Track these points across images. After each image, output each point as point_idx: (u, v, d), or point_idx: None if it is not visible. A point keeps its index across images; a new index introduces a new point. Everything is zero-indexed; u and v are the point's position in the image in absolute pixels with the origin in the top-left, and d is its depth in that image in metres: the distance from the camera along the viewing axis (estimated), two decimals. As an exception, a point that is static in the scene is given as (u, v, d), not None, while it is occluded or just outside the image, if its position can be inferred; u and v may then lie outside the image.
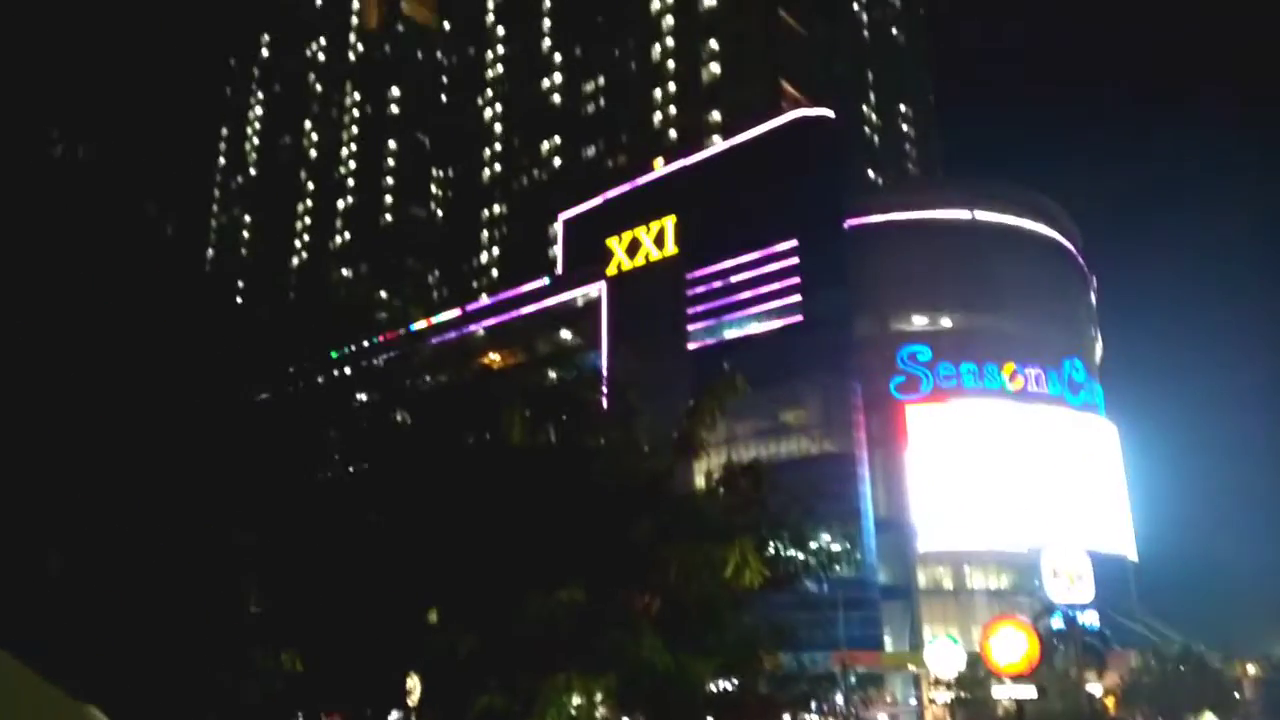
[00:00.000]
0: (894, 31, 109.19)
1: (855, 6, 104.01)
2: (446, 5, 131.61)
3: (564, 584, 15.96)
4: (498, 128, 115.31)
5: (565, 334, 76.46)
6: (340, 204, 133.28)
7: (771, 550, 19.68)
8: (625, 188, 79.09)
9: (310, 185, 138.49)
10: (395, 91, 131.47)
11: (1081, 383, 65.40)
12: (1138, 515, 66.15)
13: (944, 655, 38.96)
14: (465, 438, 17.99)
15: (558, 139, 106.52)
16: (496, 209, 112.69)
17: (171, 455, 12.55)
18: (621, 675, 16.58)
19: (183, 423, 13.10)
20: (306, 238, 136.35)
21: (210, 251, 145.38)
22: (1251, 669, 71.60)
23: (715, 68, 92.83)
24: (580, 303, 76.45)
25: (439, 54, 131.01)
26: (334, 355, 17.59)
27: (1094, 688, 39.30)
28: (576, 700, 18.36)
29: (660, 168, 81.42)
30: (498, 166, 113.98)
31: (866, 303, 63.58)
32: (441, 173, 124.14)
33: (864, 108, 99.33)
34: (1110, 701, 40.00)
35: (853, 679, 45.07)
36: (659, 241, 73.14)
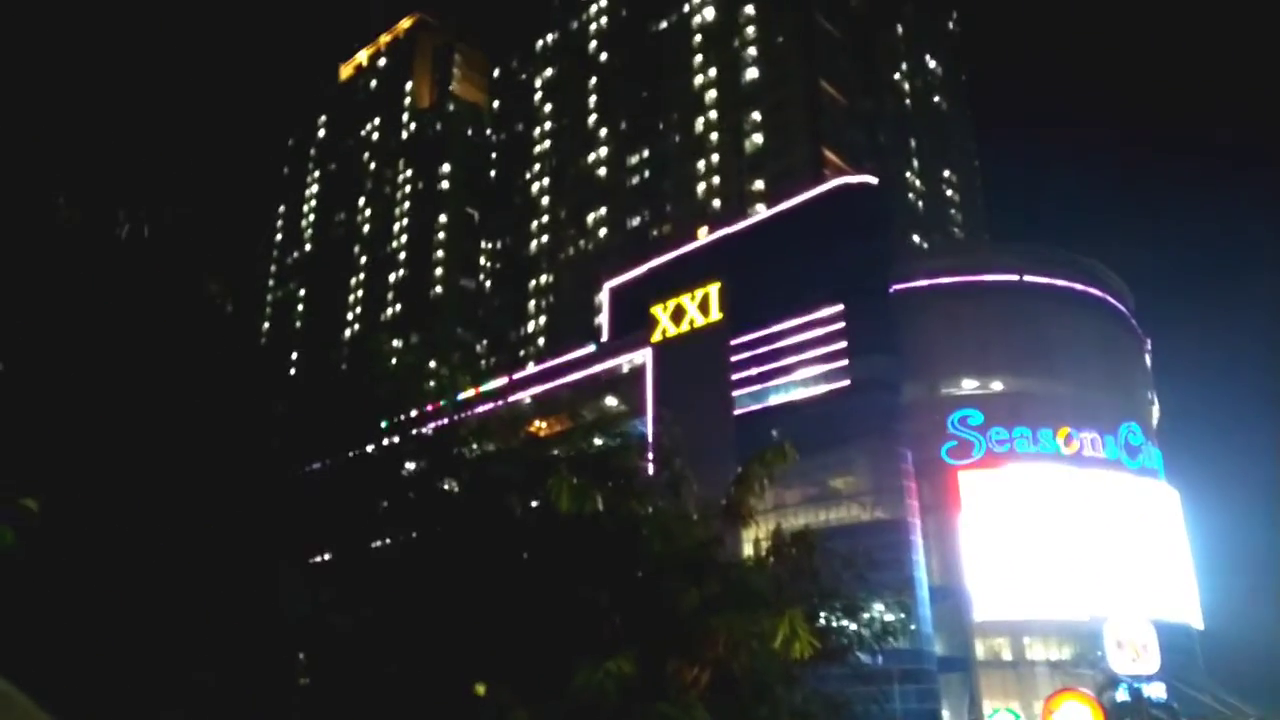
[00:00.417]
0: (935, 99, 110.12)
1: (896, 76, 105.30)
2: (496, 85, 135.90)
3: (612, 655, 15.79)
4: (545, 200, 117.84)
5: (611, 401, 76.71)
6: (391, 276, 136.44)
7: (823, 621, 19.32)
8: (670, 256, 79.93)
9: (363, 259, 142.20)
10: (446, 167, 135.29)
11: (1139, 446, 63.70)
12: (1202, 582, 63.72)
13: (1004, 731, 37.56)
14: (513, 506, 18.09)
15: (604, 210, 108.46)
16: (544, 279, 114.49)
17: (225, 527, 12.80)
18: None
19: (234, 494, 13.38)
20: (359, 309, 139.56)
21: (266, 324, 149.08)
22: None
23: (758, 138, 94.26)
24: (625, 369, 76.83)
25: (489, 131, 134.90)
26: (384, 424, 17.89)
27: (1165, 766, 37.42)
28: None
29: (704, 236, 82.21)
30: (545, 238, 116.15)
31: (915, 367, 62.98)
32: (490, 244, 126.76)
33: (907, 173, 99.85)
34: (1184, 781, 37.99)
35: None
36: (704, 308, 73.51)
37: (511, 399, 79.25)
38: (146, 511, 12.05)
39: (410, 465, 18.12)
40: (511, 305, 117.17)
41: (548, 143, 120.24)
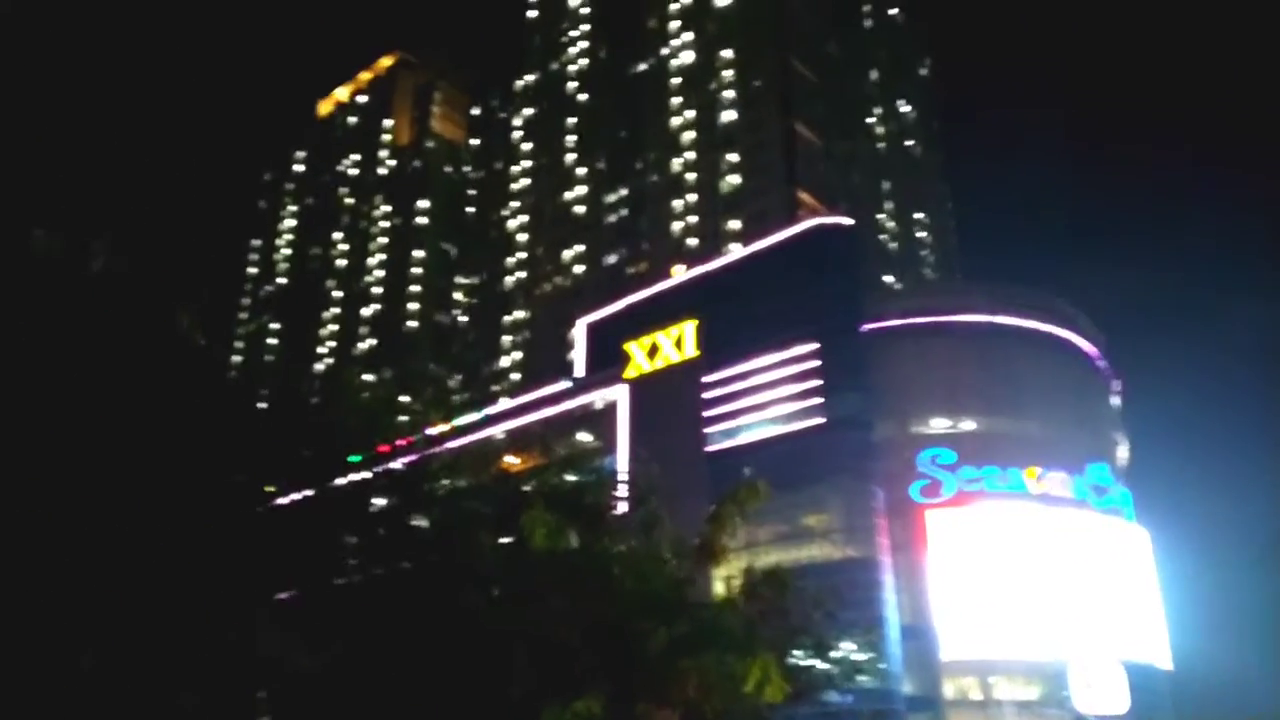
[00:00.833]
0: (908, 142, 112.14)
1: (870, 119, 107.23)
2: (475, 123, 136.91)
3: (581, 695, 15.69)
4: (522, 237, 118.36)
5: (584, 436, 76.60)
6: (366, 311, 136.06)
7: (793, 660, 19.32)
8: (646, 293, 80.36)
9: (337, 293, 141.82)
10: (424, 203, 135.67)
11: (1107, 486, 64.32)
12: (1172, 623, 64.06)
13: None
14: (484, 542, 18.01)
15: (581, 247, 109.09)
16: (519, 314, 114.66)
17: (189, 557, 12.69)
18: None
19: (200, 526, 13.29)
20: (332, 344, 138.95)
21: (238, 358, 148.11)
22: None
23: (734, 178, 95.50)
24: (599, 405, 76.82)
25: (467, 168, 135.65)
26: (353, 459, 17.82)
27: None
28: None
29: (680, 274, 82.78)
30: (521, 274, 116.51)
31: (886, 405, 63.46)
32: (466, 280, 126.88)
33: (880, 215, 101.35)
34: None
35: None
36: (678, 345, 73.86)
37: (484, 434, 79.00)
38: (113, 541, 11.95)
39: (380, 501, 18.05)
40: (486, 341, 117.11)
41: (526, 180, 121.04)
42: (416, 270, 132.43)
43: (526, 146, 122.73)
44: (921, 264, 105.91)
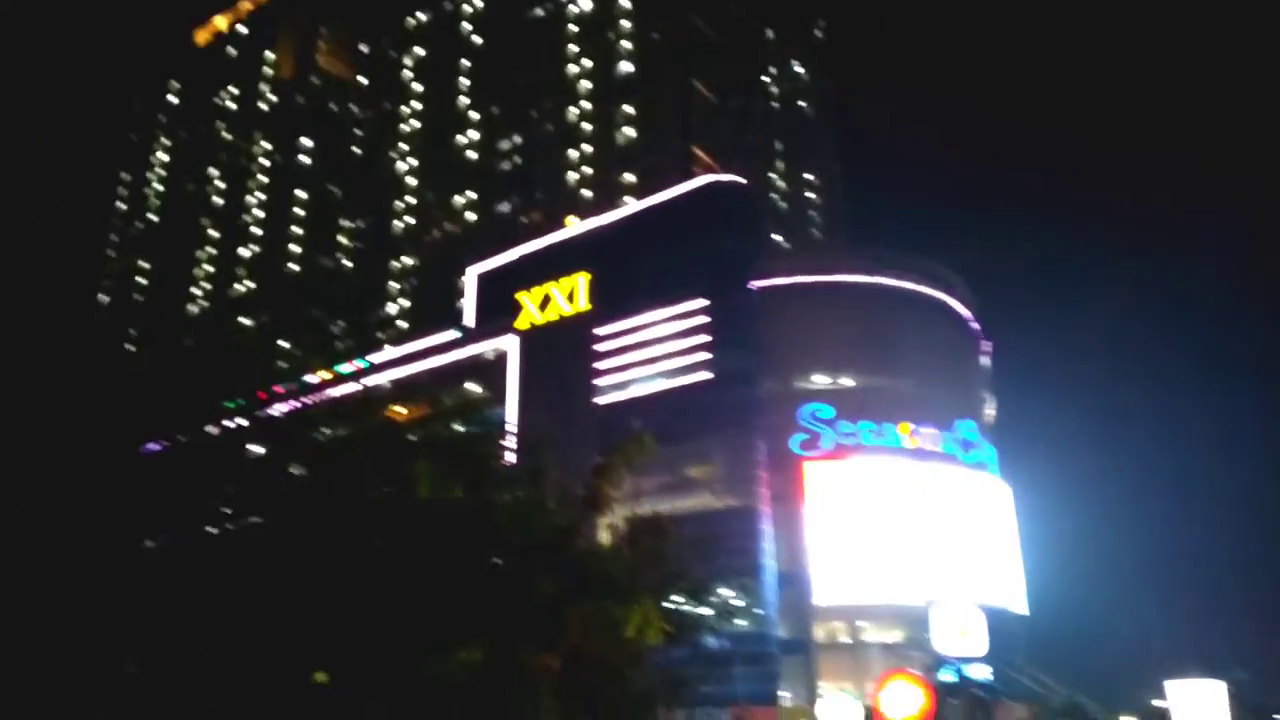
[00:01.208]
0: (801, 103, 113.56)
1: (765, 79, 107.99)
2: (363, 61, 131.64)
3: (463, 644, 15.81)
4: (411, 181, 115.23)
5: (473, 387, 76.00)
6: (244, 251, 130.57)
7: (672, 605, 19.91)
8: (539, 244, 79.71)
9: (213, 232, 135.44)
10: (307, 142, 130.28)
11: (974, 442, 67.88)
12: (1029, 572, 68.49)
13: (839, 709, 39.49)
14: (367, 492, 17.80)
15: (472, 194, 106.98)
16: (407, 261, 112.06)
17: (52, 504, 12.17)
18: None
19: (64, 471, 12.73)
20: (206, 285, 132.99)
21: (105, 297, 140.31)
22: (1130, 720, 74.65)
23: (630, 131, 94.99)
24: (490, 356, 76.24)
25: (354, 107, 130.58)
26: (229, 405, 17.29)
27: (984, 741, 40.15)
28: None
29: (574, 225, 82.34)
30: (409, 219, 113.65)
31: (772, 362, 65.08)
32: (352, 223, 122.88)
33: (772, 174, 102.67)
34: (1000, 754, 40.95)
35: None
36: (571, 297, 73.76)
37: (368, 383, 77.38)
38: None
39: (257, 449, 17.60)
40: (372, 287, 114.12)
41: (416, 123, 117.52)
42: (299, 211, 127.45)
43: (418, 88, 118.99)
44: (810, 224, 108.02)
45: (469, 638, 16.12)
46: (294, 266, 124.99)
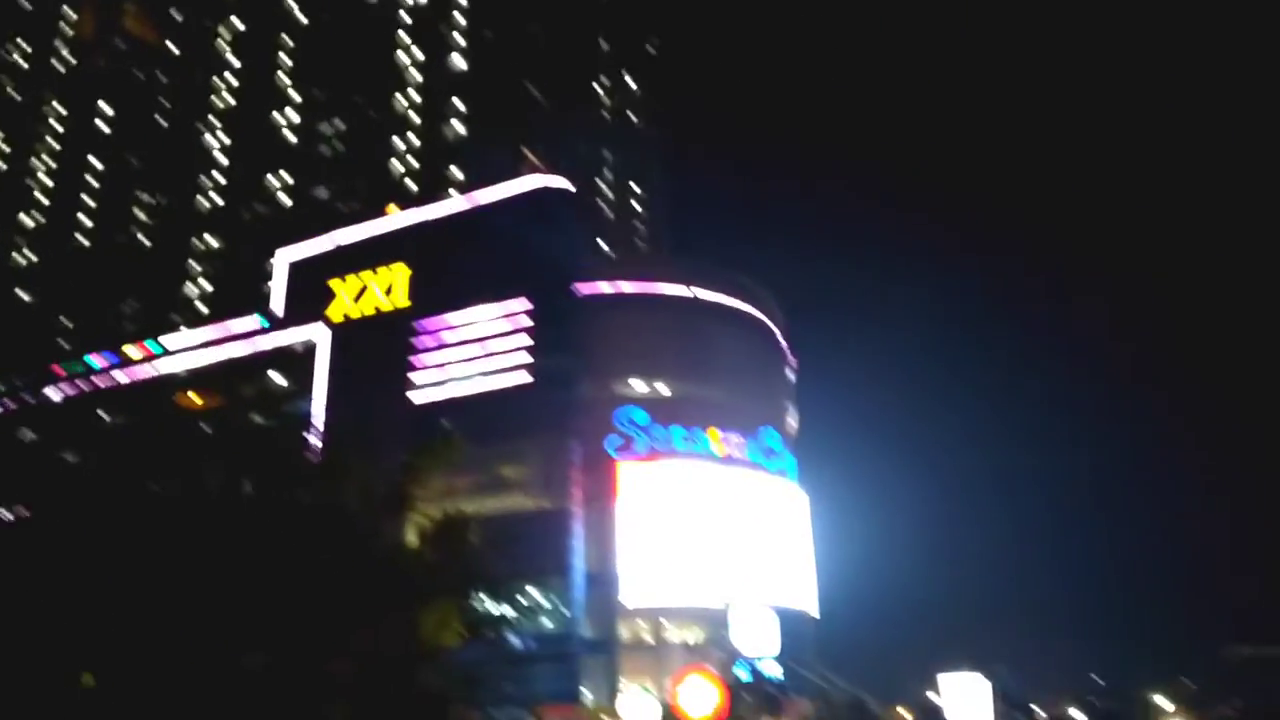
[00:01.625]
0: (632, 116, 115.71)
1: (598, 89, 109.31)
2: (175, 27, 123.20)
3: (249, 648, 15.33)
4: (220, 157, 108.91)
5: (278, 379, 72.72)
6: (27, 220, 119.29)
7: (476, 606, 19.97)
8: (357, 232, 77.03)
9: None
10: (107, 108, 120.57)
11: (776, 451, 71.27)
12: (821, 575, 72.59)
13: (638, 706, 40.62)
14: (152, 484, 16.91)
15: (287, 176, 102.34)
16: (211, 241, 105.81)
17: None
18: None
19: None
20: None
21: None
22: (905, 714, 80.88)
23: (459, 126, 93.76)
24: (298, 348, 73.15)
25: (161, 75, 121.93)
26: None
27: (771, 734, 42.39)
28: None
29: (396, 217, 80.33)
30: (217, 198, 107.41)
31: (591, 366, 65.85)
32: (153, 198, 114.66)
33: (600, 183, 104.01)
34: (786, 747, 43.28)
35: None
36: (389, 291, 71.86)
37: (161, 368, 72.59)
38: None
39: (29, 433, 16.43)
40: (171, 266, 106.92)
41: (230, 98, 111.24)
42: (92, 181, 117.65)
43: (233, 61, 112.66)
44: (634, 234, 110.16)
45: (254, 641, 15.64)
46: (83, 240, 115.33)
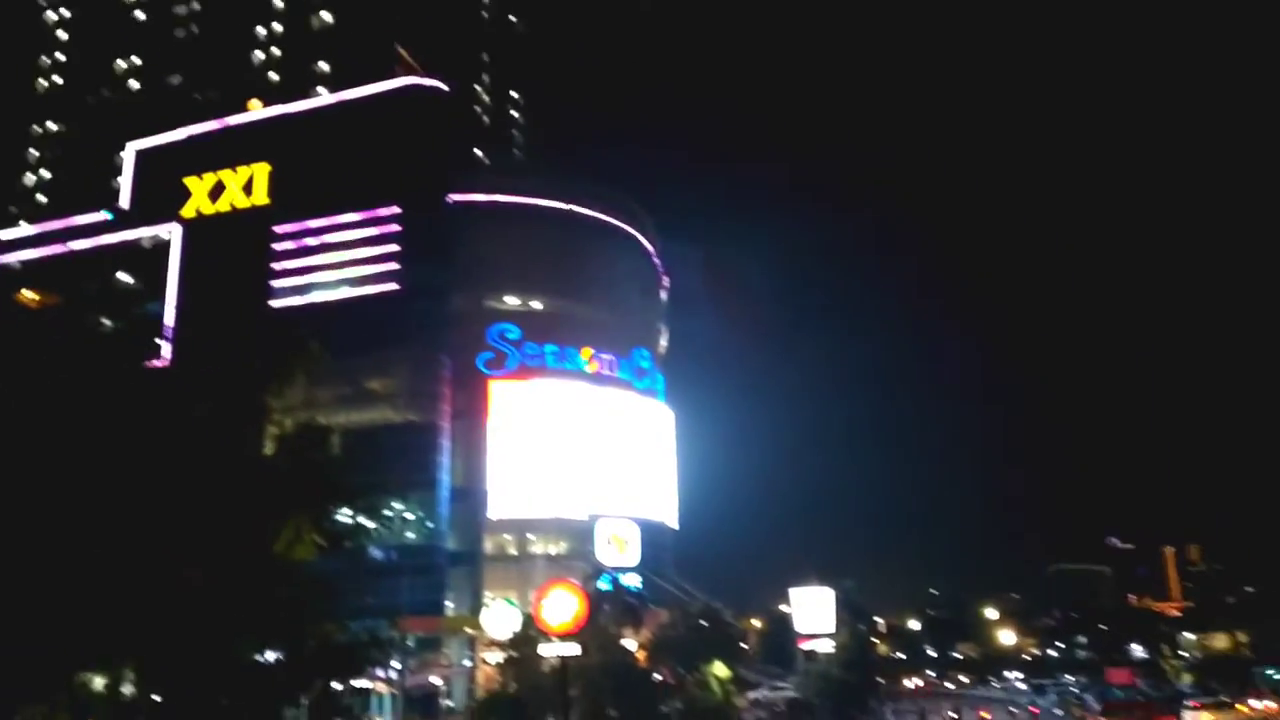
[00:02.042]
0: (512, 17, 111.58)
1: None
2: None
3: (95, 559, 14.81)
4: (62, 34, 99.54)
5: (126, 278, 68.55)
6: None
7: (337, 518, 19.73)
8: (214, 125, 72.45)
9: None
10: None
11: (647, 370, 72.40)
12: (683, 491, 74.90)
13: (500, 617, 41.48)
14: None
15: (137, 59, 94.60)
16: (52, 126, 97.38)
17: None
18: (151, 654, 15.78)
19: None
20: None
21: None
22: (756, 623, 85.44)
23: (327, 15, 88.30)
24: (149, 245, 68.99)
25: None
26: None
27: (629, 642, 44.03)
28: (101, 682, 17.17)
29: (256, 110, 75.79)
30: (58, 78, 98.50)
31: (463, 278, 64.69)
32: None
33: (477, 87, 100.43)
34: (642, 654, 45.02)
35: (410, 643, 46.14)
36: (248, 189, 68.25)
37: (-4, 262, 67.39)
38: None
39: None
40: (7, 152, 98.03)
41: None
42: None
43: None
44: (512, 143, 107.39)
45: (100, 552, 15.09)
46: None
